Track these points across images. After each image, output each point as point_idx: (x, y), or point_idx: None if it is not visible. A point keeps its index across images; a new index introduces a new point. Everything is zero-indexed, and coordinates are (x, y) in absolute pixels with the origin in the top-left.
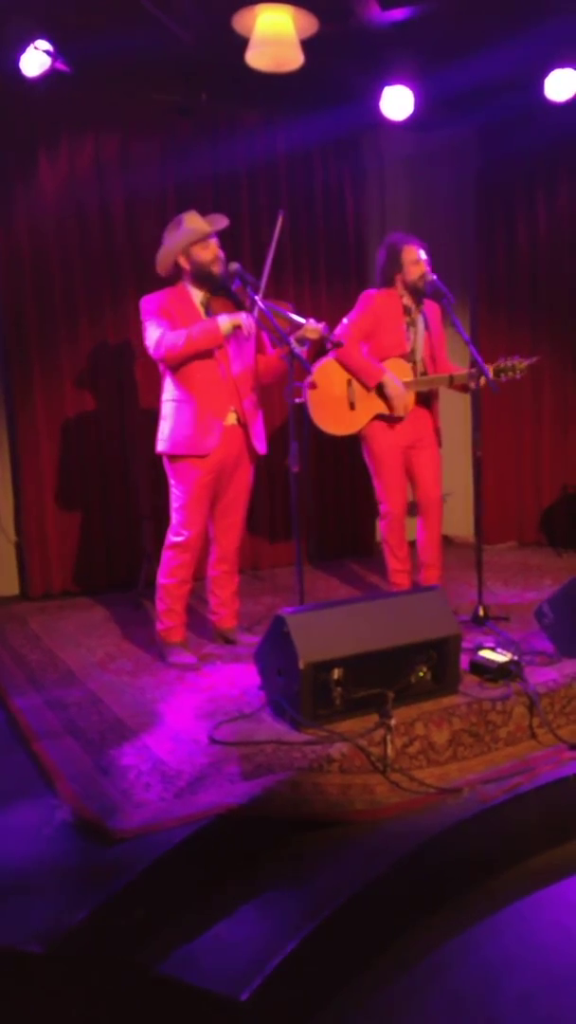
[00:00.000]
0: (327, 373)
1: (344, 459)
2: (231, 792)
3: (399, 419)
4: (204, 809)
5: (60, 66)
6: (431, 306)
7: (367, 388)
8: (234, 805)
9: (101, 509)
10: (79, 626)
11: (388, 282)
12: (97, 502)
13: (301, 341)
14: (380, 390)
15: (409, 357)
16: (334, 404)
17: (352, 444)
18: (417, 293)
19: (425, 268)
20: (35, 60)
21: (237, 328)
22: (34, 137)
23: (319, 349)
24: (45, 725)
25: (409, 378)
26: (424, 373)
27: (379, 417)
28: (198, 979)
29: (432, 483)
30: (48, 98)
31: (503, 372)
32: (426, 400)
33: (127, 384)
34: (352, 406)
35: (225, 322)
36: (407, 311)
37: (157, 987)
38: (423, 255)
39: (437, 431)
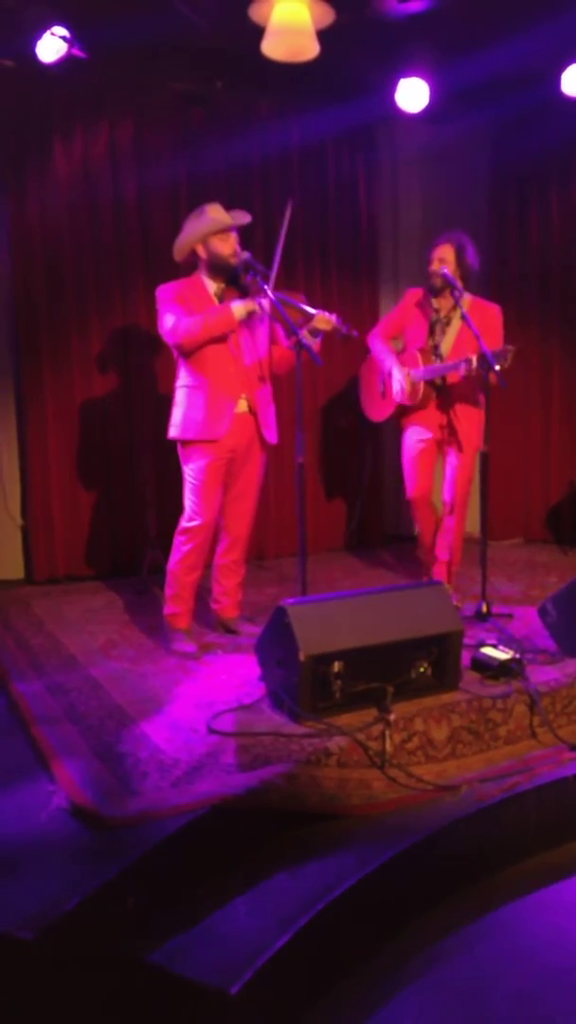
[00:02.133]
0: (372, 364)
1: (354, 450)
2: (228, 783)
3: (418, 409)
4: (200, 799)
5: (76, 52)
6: (481, 308)
7: (382, 377)
8: (230, 796)
9: (107, 495)
10: (82, 611)
11: (424, 280)
12: (103, 488)
13: (314, 332)
14: (385, 383)
15: (433, 352)
16: (372, 393)
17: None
18: (434, 290)
19: (435, 266)
20: (52, 46)
21: (252, 313)
22: (49, 123)
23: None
24: (45, 710)
25: (417, 368)
26: None
27: (401, 408)
28: (189, 970)
29: (450, 484)
30: (64, 84)
31: (493, 360)
32: (454, 401)
33: (134, 371)
34: (383, 395)
35: (239, 307)
36: (435, 309)
37: (147, 977)
38: (440, 252)
39: (465, 431)
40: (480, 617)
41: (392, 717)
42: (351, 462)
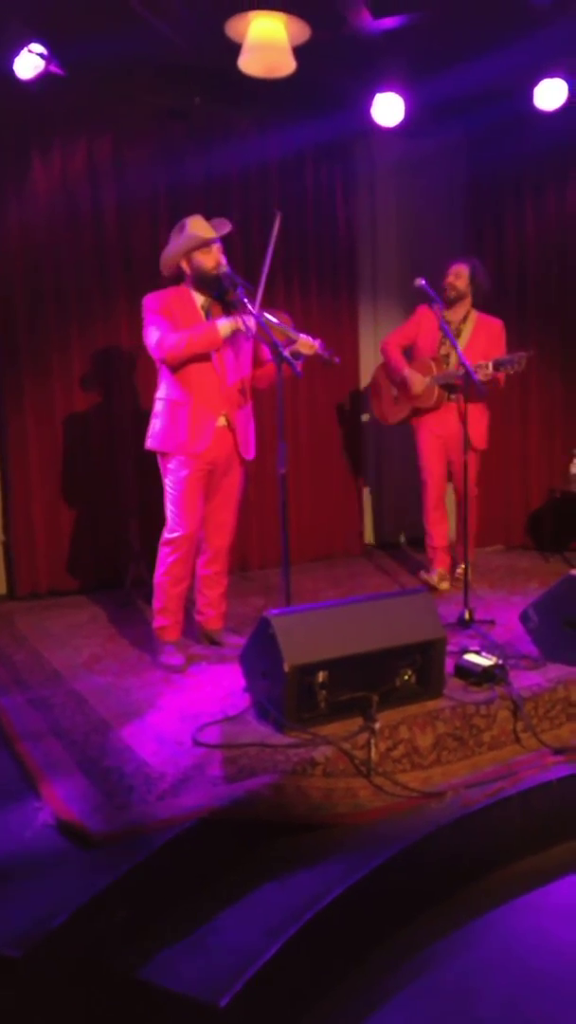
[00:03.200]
0: (383, 373)
1: (337, 461)
2: (214, 795)
3: (429, 410)
4: (187, 812)
5: (54, 69)
6: (486, 322)
7: (395, 382)
8: (217, 808)
9: (89, 509)
10: (65, 626)
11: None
12: (85, 502)
13: (296, 355)
14: (404, 386)
15: (444, 360)
16: (385, 398)
17: (344, 447)
18: (448, 303)
19: (449, 280)
20: (29, 62)
21: (237, 331)
22: (27, 139)
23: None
24: (29, 725)
25: (431, 375)
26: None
27: (415, 411)
28: (178, 984)
29: (459, 480)
30: (42, 100)
31: (502, 366)
32: (457, 403)
33: (116, 385)
34: (396, 400)
35: (224, 325)
36: (445, 320)
37: (136, 991)
38: (456, 269)
39: (473, 431)
40: (463, 624)
41: (377, 725)
42: (335, 473)
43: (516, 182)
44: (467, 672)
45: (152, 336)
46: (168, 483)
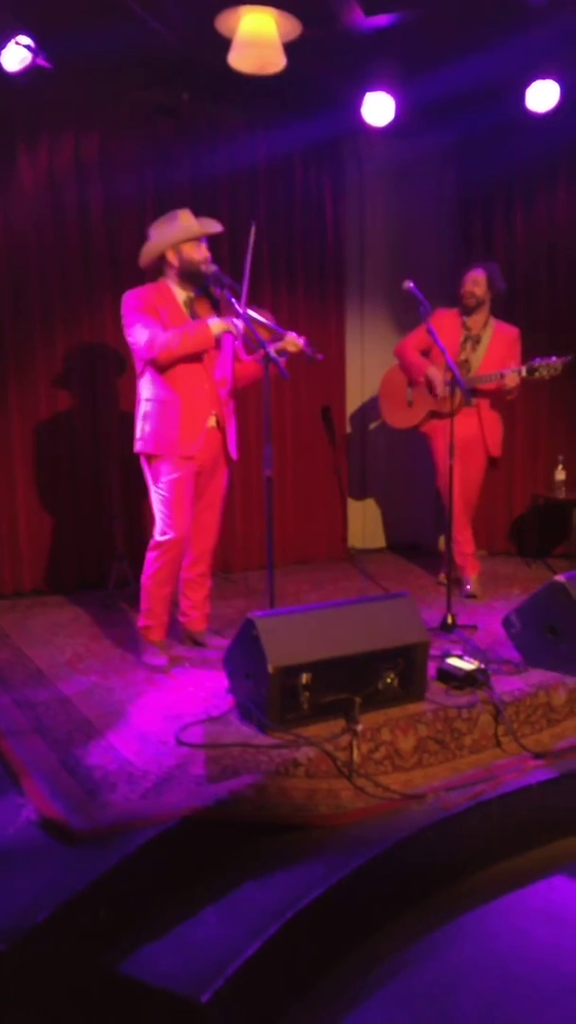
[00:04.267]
0: (393, 376)
1: (321, 464)
2: (197, 794)
3: (448, 415)
4: (170, 810)
5: (41, 62)
6: (503, 331)
7: (415, 382)
8: (200, 807)
9: (73, 509)
10: (48, 625)
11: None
12: (69, 502)
13: (281, 352)
14: (429, 385)
15: (463, 366)
16: (397, 402)
17: (328, 450)
18: (467, 310)
19: (468, 288)
20: (16, 55)
21: (227, 332)
22: (13, 134)
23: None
24: (12, 724)
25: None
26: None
27: (433, 414)
28: (160, 980)
29: (467, 484)
30: (29, 94)
31: (538, 371)
32: (478, 408)
33: (101, 385)
34: (410, 404)
35: (216, 324)
36: (466, 327)
37: (119, 987)
38: (474, 275)
39: (488, 437)
40: (445, 628)
41: (360, 728)
42: (319, 476)
43: (507, 184)
44: (449, 676)
45: (140, 334)
46: (159, 487)
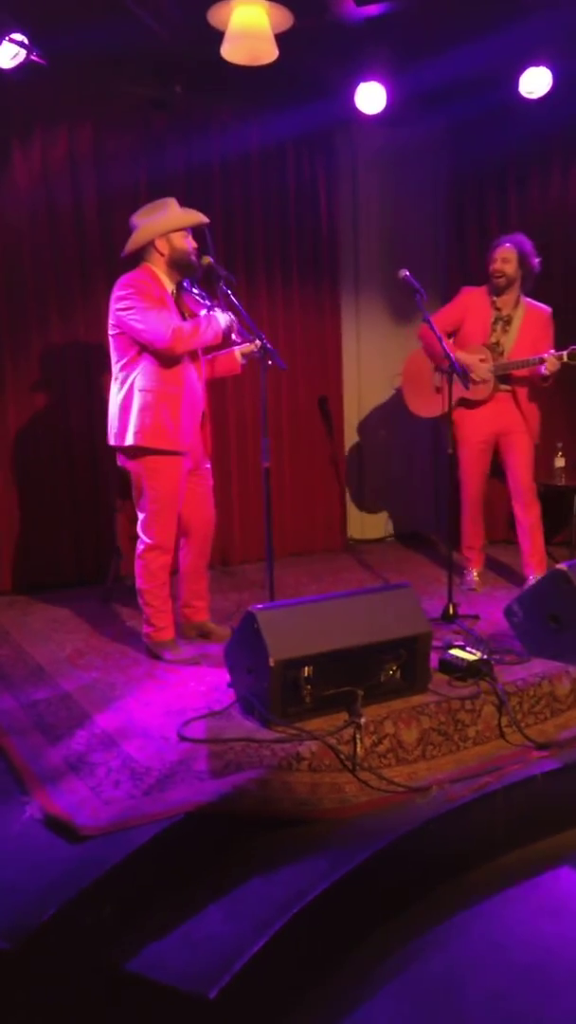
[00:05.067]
0: (417, 361)
1: (318, 455)
2: (200, 790)
3: (481, 402)
4: (173, 807)
5: (35, 58)
6: (535, 311)
7: (442, 370)
8: (203, 803)
9: (70, 504)
10: (48, 621)
11: (485, 279)
12: (66, 497)
13: (246, 354)
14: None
15: (494, 348)
16: (423, 389)
17: (325, 441)
18: (497, 289)
19: (497, 266)
20: (9, 52)
21: (229, 326)
22: (7, 129)
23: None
24: (13, 721)
25: (489, 364)
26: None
27: (462, 403)
28: (166, 977)
29: (522, 469)
30: (22, 90)
31: None
32: (513, 392)
33: (97, 378)
34: (437, 390)
35: (223, 317)
36: (496, 307)
37: (125, 985)
38: (503, 253)
39: (529, 421)
40: (447, 618)
41: (362, 720)
42: (316, 467)
43: (500, 171)
44: (452, 667)
45: (157, 323)
46: (149, 485)
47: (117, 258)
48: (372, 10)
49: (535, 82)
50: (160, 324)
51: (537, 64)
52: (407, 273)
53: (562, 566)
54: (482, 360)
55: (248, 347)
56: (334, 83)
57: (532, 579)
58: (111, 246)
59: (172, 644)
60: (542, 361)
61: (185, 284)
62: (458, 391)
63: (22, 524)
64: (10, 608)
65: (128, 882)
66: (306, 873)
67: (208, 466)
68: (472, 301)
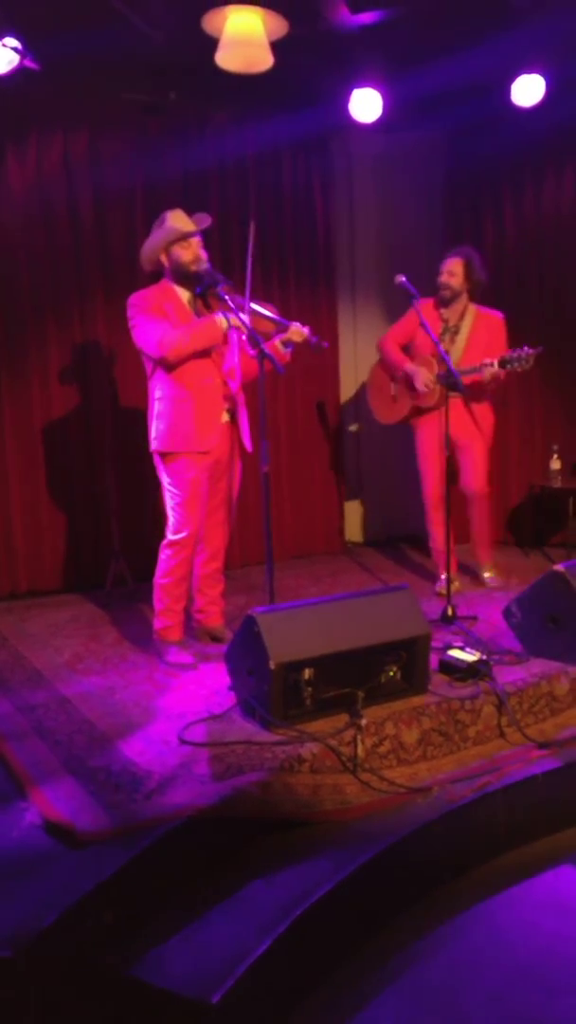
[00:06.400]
0: (378, 370)
1: (317, 458)
2: (201, 793)
3: (430, 409)
4: (175, 810)
5: (29, 64)
6: (486, 317)
7: (395, 378)
8: (204, 806)
9: (68, 508)
10: (46, 626)
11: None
12: (64, 501)
13: (286, 343)
14: (408, 381)
15: (439, 359)
16: (383, 397)
17: (324, 444)
18: (444, 301)
19: (444, 278)
20: (3, 57)
21: (234, 327)
22: (2, 135)
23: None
24: (12, 726)
25: (433, 373)
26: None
27: (416, 410)
28: (168, 982)
29: (472, 474)
30: (16, 96)
31: (509, 363)
32: (469, 400)
33: (93, 383)
34: (395, 399)
35: (222, 319)
36: (444, 318)
37: (128, 990)
38: (450, 266)
39: (481, 427)
40: (446, 620)
41: (363, 722)
42: (315, 470)
43: (494, 178)
44: (451, 668)
45: (150, 335)
46: (171, 484)
47: (113, 262)
48: (367, 18)
49: (528, 90)
50: (151, 335)
51: (530, 71)
52: (403, 279)
53: (559, 567)
54: (428, 369)
55: (288, 336)
56: (329, 90)
57: (485, 563)
58: (107, 252)
59: (176, 644)
60: (480, 369)
61: (219, 290)
62: (411, 399)
63: (20, 529)
64: (8, 613)
65: (129, 887)
66: (308, 875)
67: (240, 464)
68: (424, 313)
